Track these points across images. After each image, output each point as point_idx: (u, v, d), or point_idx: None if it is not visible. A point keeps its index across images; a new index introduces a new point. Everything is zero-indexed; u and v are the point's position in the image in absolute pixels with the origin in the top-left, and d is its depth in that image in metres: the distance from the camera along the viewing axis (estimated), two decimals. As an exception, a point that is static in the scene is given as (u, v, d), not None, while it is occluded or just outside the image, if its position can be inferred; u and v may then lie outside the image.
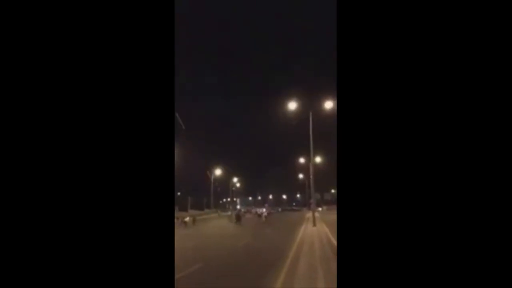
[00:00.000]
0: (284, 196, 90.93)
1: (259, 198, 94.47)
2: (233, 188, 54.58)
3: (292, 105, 16.87)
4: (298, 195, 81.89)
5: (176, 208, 35.89)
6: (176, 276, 3.96)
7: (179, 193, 41.22)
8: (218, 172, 42.27)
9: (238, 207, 65.13)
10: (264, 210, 37.31)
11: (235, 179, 53.87)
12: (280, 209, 52.23)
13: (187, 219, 19.58)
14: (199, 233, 14.91)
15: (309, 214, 19.14)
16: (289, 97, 17.26)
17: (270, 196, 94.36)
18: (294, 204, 73.21)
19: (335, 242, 8.97)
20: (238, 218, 22.19)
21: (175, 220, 21.84)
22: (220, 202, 59.21)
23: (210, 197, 43.54)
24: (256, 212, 37.37)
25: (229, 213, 37.75)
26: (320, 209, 31.60)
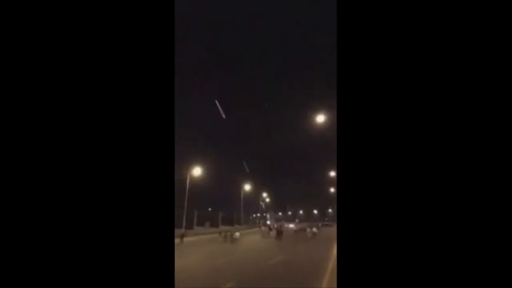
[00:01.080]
0: (315, 211, 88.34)
1: (289, 213, 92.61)
2: (263, 203, 54.13)
3: (320, 118, 16.58)
4: (330, 210, 79.19)
5: (207, 224, 36.19)
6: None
7: (210, 209, 41.67)
8: (247, 187, 42.35)
9: (268, 222, 64.23)
10: (304, 226, 35.22)
11: (264, 194, 53.54)
12: (320, 224, 50.26)
13: (237, 234, 19.41)
14: (246, 248, 14.77)
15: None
16: (317, 110, 17.00)
17: (301, 211, 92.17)
18: (326, 219, 70.85)
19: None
20: (279, 233, 21.17)
21: (218, 234, 21.84)
22: (250, 217, 58.87)
23: (240, 212, 43.50)
24: (293, 228, 35.17)
25: (262, 228, 37.13)
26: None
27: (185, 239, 17.46)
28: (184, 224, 22.42)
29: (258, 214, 59.70)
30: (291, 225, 48.13)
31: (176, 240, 16.14)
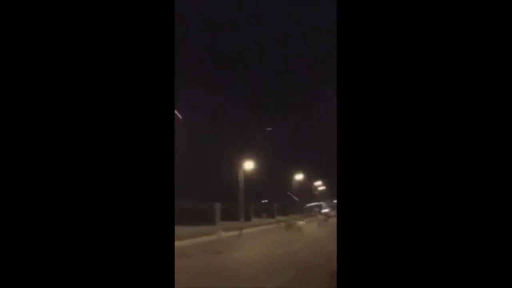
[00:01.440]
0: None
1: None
2: (315, 192, 53.70)
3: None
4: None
5: (264, 215, 37.41)
6: None
7: (266, 200, 42.90)
8: (299, 177, 42.45)
9: (324, 210, 63.42)
10: None
11: (317, 183, 53.01)
12: None
13: (301, 223, 19.83)
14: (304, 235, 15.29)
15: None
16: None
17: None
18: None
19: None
20: None
21: (276, 224, 22.58)
22: (304, 206, 58.91)
23: (294, 202, 43.94)
24: None
25: (318, 216, 37.11)
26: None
27: (244, 231, 18.55)
28: (243, 216, 23.69)
29: (313, 204, 59.37)
30: None
31: (236, 233, 17.30)
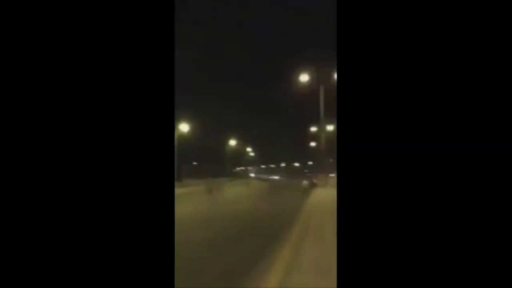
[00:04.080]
0: (297, 164, 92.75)
1: (272, 166, 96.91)
2: (246, 157, 56.57)
3: (304, 77, 17.53)
4: (310, 163, 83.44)
5: (196, 176, 38.23)
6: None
7: (195, 163, 43.45)
8: (232, 142, 43.86)
9: (252, 175, 67.62)
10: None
11: (248, 149, 55.68)
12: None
13: (304, 182, 20.18)
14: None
15: (315, 180, 20.75)
16: (300, 68, 17.87)
17: (283, 164, 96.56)
18: (306, 171, 75.38)
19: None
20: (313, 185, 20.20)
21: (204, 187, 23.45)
22: (233, 170, 61.66)
23: (225, 165, 45.67)
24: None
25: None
26: (331, 175, 32.28)
27: (179, 190, 19.16)
28: (175, 177, 23.88)
29: (242, 168, 62.50)
30: (275, 177, 52.76)
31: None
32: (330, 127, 25.32)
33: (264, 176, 53.65)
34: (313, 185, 20.46)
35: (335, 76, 16.82)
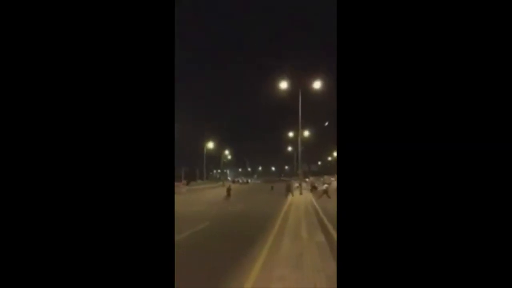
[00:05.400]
0: (273, 168, 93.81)
1: (249, 169, 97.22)
2: (224, 160, 56.46)
3: (283, 84, 18.13)
4: (286, 167, 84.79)
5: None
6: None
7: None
8: (210, 145, 43.69)
9: (229, 178, 67.47)
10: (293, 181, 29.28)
11: (226, 152, 55.65)
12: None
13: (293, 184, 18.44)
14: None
15: (296, 184, 21.07)
16: (280, 75, 18.48)
17: (260, 168, 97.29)
18: (282, 175, 76.57)
19: (316, 205, 11.46)
20: (288, 189, 17.74)
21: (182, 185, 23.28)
22: (210, 173, 61.22)
23: (202, 168, 45.33)
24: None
25: (223, 183, 39.86)
26: (307, 179, 33.44)
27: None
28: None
29: (219, 170, 62.23)
30: (257, 181, 54.71)
31: None
32: (307, 133, 26.23)
33: (243, 179, 54.30)
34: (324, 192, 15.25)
35: (314, 83, 17.60)
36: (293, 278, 3.25)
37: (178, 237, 5.25)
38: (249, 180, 56.80)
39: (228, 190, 16.52)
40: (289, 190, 17.69)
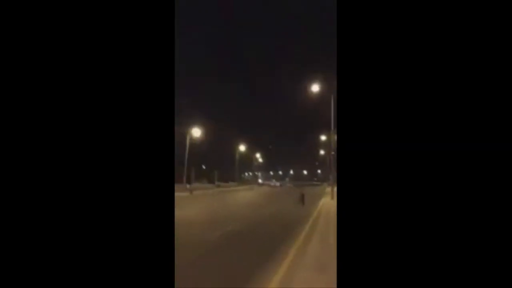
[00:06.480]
0: (305, 172, 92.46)
1: (280, 172, 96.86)
2: (255, 163, 56.93)
3: (315, 88, 17.95)
4: (319, 171, 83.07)
5: (204, 181, 38.77)
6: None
7: (204, 167, 44.04)
8: (242, 148, 44.35)
9: (260, 181, 67.79)
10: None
11: (257, 154, 56.05)
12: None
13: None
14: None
15: (328, 189, 20.62)
16: (311, 79, 18.32)
17: (291, 171, 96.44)
18: (315, 179, 75.20)
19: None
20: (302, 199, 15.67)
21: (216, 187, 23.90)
22: (242, 175, 62.00)
23: (234, 171, 46.09)
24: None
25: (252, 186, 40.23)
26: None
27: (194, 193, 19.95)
28: (184, 180, 24.65)
29: (250, 173, 62.78)
30: (288, 184, 55.03)
31: (187, 193, 18.60)
32: (339, 136, 25.43)
33: (274, 183, 54.65)
34: None
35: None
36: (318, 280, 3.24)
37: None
38: (277, 184, 56.80)
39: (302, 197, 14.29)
40: (302, 199, 14.26)
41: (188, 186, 23.10)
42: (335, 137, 23.95)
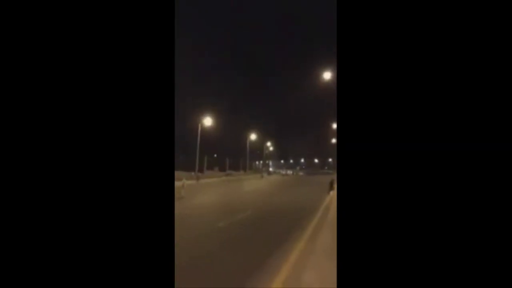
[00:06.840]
0: (316, 160, 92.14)
1: (291, 161, 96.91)
2: (266, 152, 57.09)
3: (327, 75, 17.60)
4: (330, 159, 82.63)
5: (216, 168, 39.33)
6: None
7: (215, 155, 44.62)
8: (253, 137, 44.46)
9: (270, 169, 68.20)
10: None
11: (268, 143, 56.13)
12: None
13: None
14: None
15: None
16: (322, 66, 17.97)
17: (302, 160, 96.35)
18: (326, 167, 75.14)
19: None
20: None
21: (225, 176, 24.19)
22: (253, 164, 62.40)
23: (245, 159, 46.44)
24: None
25: (262, 175, 40.60)
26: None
27: (200, 181, 20.29)
28: (197, 168, 25.11)
29: (261, 162, 63.16)
30: (300, 173, 55.64)
31: (193, 181, 18.92)
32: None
33: (286, 171, 55.30)
34: None
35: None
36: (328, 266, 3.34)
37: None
38: (289, 172, 57.21)
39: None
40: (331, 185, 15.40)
41: (193, 174, 23.52)
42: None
